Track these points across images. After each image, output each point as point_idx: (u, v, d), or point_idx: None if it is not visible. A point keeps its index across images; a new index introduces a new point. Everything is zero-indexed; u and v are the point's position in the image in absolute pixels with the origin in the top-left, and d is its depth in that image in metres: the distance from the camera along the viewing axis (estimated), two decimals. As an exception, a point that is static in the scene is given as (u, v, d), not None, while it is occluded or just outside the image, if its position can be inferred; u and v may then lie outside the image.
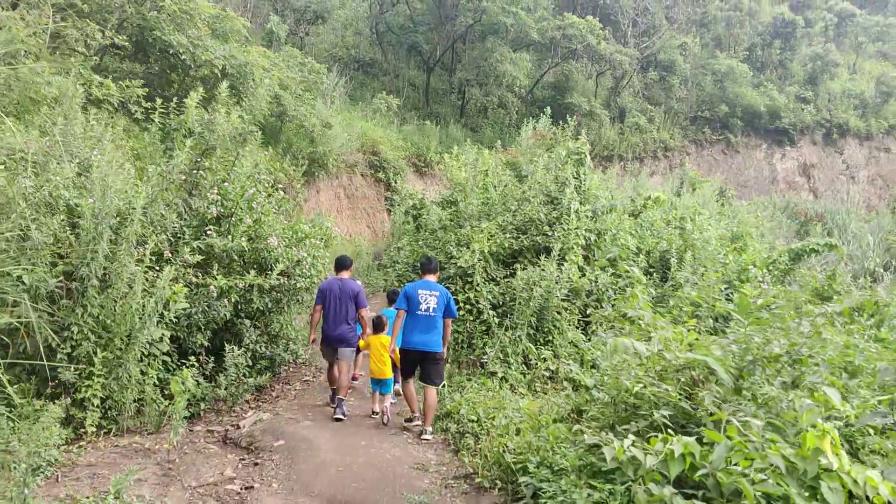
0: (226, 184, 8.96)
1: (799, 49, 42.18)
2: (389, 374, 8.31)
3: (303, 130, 22.11)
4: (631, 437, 4.04)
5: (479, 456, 6.51)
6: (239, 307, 8.71)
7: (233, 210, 8.90)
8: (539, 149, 14.62)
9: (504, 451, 6.05)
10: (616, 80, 35.85)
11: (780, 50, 41.87)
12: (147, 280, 7.24)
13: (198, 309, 7.96)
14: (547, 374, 9.11)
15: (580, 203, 11.18)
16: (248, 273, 8.49)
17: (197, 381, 7.84)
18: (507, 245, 10.73)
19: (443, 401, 8.47)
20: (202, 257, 8.14)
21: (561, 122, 16.22)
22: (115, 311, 6.93)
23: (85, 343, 6.71)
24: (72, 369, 6.55)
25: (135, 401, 7.15)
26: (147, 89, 12.60)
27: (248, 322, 8.97)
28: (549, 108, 18.58)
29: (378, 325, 8.57)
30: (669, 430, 4.30)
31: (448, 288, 10.13)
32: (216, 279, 8.12)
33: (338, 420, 8.02)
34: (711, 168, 36.06)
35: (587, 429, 5.45)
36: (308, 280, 9.45)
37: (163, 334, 7.25)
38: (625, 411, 5.44)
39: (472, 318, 10.01)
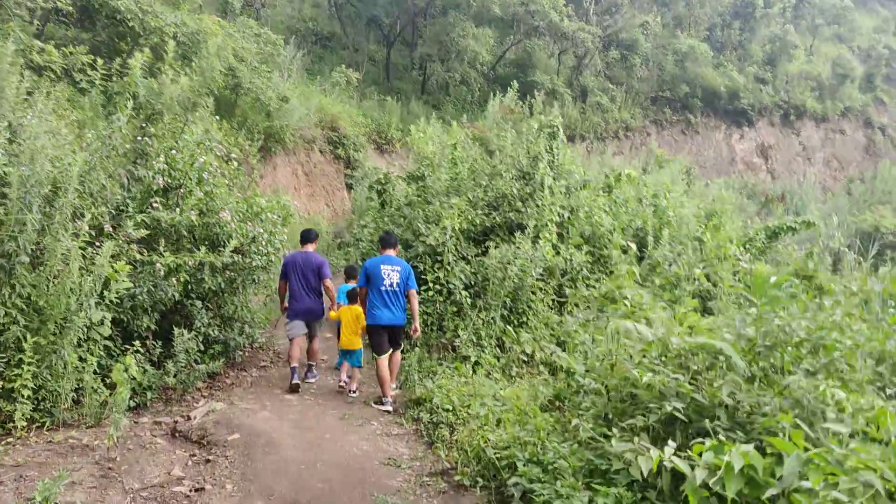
0: (173, 152, 8.14)
1: (758, 30, 42.21)
2: (360, 346, 8.26)
3: (258, 104, 21.26)
4: (671, 444, 3.42)
5: (455, 449, 5.93)
6: (189, 287, 7.95)
7: (181, 181, 8.10)
8: (507, 123, 13.98)
9: (485, 445, 5.46)
10: (578, 58, 35.36)
11: (740, 31, 41.85)
12: (85, 257, 6.45)
13: (143, 289, 7.18)
14: (523, 358, 8.56)
15: (553, 179, 10.61)
16: (199, 250, 7.71)
17: (143, 367, 7.08)
18: (478, 222, 10.12)
19: (412, 387, 7.87)
20: (147, 232, 7.35)
21: (528, 97, 15.63)
22: (48, 290, 6.14)
23: (13, 327, 5.92)
24: (-5, 357, 5.76)
25: (72, 391, 6.38)
26: (93, 57, 11.60)
27: (199, 303, 8.21)
28: (514, 82, 17.87)
29: (352, 297, 8.44)
30: (712, 436, 3.69)
31: (416, 267, 9.53)
32: (163, 256, 7.33)
33: (295, 388, 8.04)
34: (672, 149, 35.90)
35: (580, 420, 4.89)
36: (265, 258, 8.70)
37: (104, 317, 6.47)
38: (621, 402, 4.88)
39: (441, 300, 9.39)
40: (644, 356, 4.84)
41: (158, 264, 7.27)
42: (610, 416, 4.84)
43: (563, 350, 8.01)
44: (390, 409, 7.63)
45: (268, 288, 9.73)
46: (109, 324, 6.62)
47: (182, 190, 8.11)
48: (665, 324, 4.62)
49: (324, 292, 8.74)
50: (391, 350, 7.91)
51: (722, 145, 38.78)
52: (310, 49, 29.86)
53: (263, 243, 8.61)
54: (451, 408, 6.72)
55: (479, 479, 5.35)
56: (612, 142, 34.33)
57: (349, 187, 25.26)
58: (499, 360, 8.54)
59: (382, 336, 7.80)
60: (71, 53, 11.66)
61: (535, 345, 8.47)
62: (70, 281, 6.15)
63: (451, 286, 9.30)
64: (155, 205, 7.63)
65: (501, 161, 11.07)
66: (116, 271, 6.48)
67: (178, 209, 7.71)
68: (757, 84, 40.33)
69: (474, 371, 8.22)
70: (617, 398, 4.94)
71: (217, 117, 19.59)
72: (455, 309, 9.20)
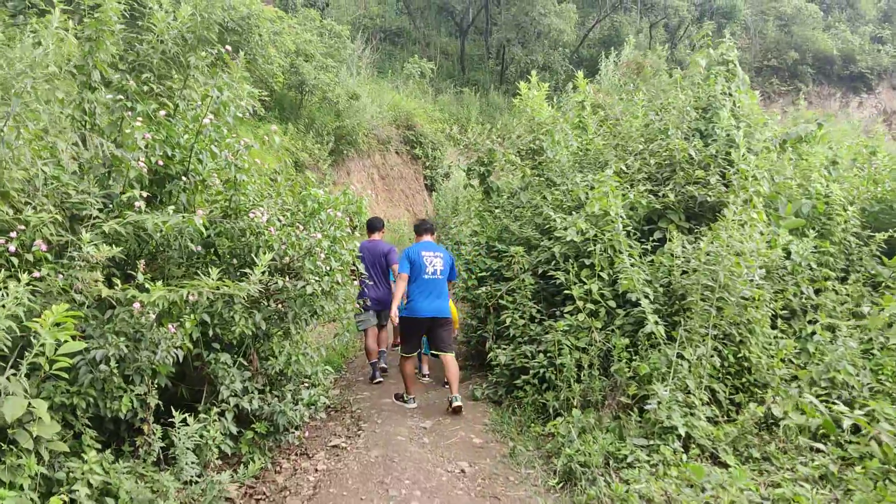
0: (170, 119, 4.92)
1: (867, -14, 36.88)
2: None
3: (326, 103, 18.57)
4: None
5: None
6: (212, 333, 4.72)
7: (187, 164, 4.86)
8: (634, 82, 10.29)
9: None
10: (670, 32, 31.12)
11: (847, -11, 36.65)
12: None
13: (110, 349, 3.94)
14: (758, 424, 4.91)
15: (742, 133, 6.88)
16: (211, 274, 4.40)
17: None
18: (644, 203, 6.52)
19: (585, 488, 4.35)
20: (118, 251, 4.11)
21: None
22: None
23: None
24: None
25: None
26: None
27: (226, 357, 4.95)
28: (631, 37, 14.13)
29: None
30: None
31: (550, 278, 6.13)
32: (148, 289, 4.08)
33: (383, 370, 7.72)
34: (782, 122, 31.16)
35: None
36: (328, 280, 5.35)
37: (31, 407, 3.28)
38: None
39: (599, 326, 5.85)
40: None
41: (137, 303, 4.01)
42: None
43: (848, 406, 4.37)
44: (460, 403, 6.52)
45: (337, 322, 6.42)
46: (50, 417, 3.44)
47: (187, 179, 4.88)
48: None
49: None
50: (442, 352, 6.81)
51: (839, 115, 33.63)
52: (378, 46, 26.91)
53: (323, 256, 5.26)
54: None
55: None
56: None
57: (429, 188, 22.32)
58: (719, 428, 4.90)
59: (417, 331, 6.94)
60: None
61: (789, 401, 4.80)
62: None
63: (609, 303, 5.74)
64: (137, 205, 4.39)
65: (657, 113, 7.45)
66: (58, 326, 3.25)
67: (171, 208, 4.42)
68: (874, 45, 34.97)
69: (685, 451, 4.63)
70: None
71: (282, 122, 16.80)
72: (627, 341, 5.62)
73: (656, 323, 5.35)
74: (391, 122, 21.89)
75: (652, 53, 10.36)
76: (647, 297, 5.56)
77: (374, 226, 8.29)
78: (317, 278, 5.24)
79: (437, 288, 6.83)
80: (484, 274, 7.41)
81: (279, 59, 17.67)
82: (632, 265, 5.94)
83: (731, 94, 7.30)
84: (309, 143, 17.51)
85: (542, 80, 28.33)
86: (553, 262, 6.67)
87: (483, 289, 7.18)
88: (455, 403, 6.45)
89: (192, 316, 4.44)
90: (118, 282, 4.17)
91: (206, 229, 4.87)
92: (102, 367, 3.92)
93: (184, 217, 4.44)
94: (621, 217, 6.29)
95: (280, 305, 5.39)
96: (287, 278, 5.27)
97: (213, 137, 4.91)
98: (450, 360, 6.66)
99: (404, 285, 6.80)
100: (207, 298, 4.55)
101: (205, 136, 4.86)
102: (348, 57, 21.68)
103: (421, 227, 7.36)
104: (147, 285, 4.08)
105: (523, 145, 8.04)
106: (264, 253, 4.74)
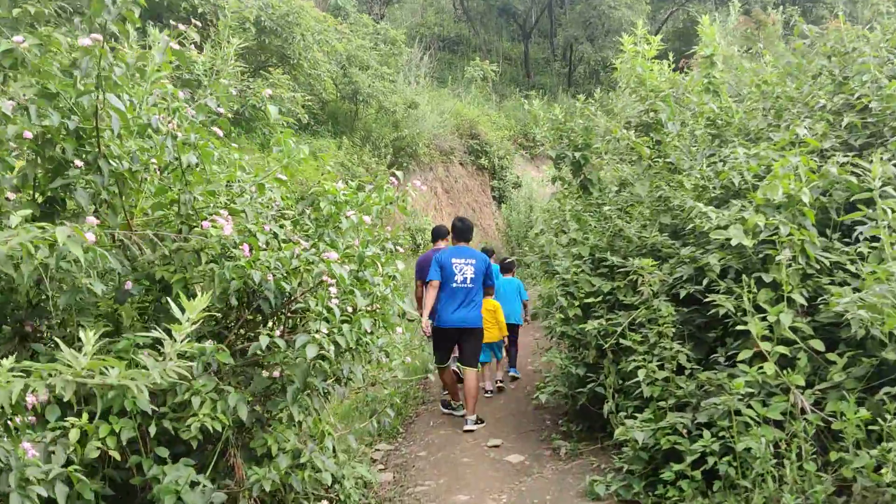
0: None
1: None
2: (497, 338, 7.24)
3: (383, 113, 16.82)
4: None
5: None
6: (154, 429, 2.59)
7: (94, 143, 2.74)
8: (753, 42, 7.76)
9: None
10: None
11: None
12: None
13: None
14: None
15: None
16: (85, 341, 2.21)
17: None
18: (854, 182, 4.05)
19: None
20: None
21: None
22: None
23: None
24: None
25: None
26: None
27: (177, 474, 2.77)
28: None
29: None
30: None
31: (706, 303, 3.75)
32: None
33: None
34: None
35: None
36: (349, 330, 3.10)
37: None
38: None
39: (800, 382, 3.42)
40: None
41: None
42: None
43: None
44: (473, 428, 6.05)
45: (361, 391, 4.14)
46: None
47: (102, 166, 2.76)
48: None
49: None
50: (466, 367, 6.25)
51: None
52: (436, 56, 25.05)
53: (335, 291, 3.02)
54: None
55: None
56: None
57: (497, 200, 20.27)
58: None
59: (448, 342, 6.40)
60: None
61: None
62: None
63: (820, 342, 3.32)
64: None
65: (833, 63, 4.98)
66: None
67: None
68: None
69: None
70: None
71: (336, 135, 15.03)
72: (863, 412, 3.17)
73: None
74: (453, 130, 19.99)
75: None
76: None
77: (439, 234, 7.46)
78: (329, 328, 3.01)
79: (467, 297, 6.33)
80: (592, 300, 5.04)
81: (327, 63, 15.87)
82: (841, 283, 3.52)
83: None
84: (366, 156, 15.77)
85: (612, 81, 25.99)
86: (702, 281, 4.26)
87: (593, 322, 4.81)
88: (466, 427, 6.09)
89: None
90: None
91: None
92: None
93: (70, 235, 2.29)
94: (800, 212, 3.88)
95: (280, 373, 3.19)
96: (284, 330, 3.07)
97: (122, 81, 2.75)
98: (471, 376, 6.21)
99: (434, 293, 6.30)
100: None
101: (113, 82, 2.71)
102: (405, 64, 19.99)
103: (458, 231, 6.78)
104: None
105: (635, 117, 5.67)
106: (214, 291, 2.53)
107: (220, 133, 3.30)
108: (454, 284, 6.28)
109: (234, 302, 3.03)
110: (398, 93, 17.68)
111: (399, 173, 4.04)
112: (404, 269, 3.88)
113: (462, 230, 6.72)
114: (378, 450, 5.54)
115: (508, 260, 9.29)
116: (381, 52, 18.26)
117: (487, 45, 28.25)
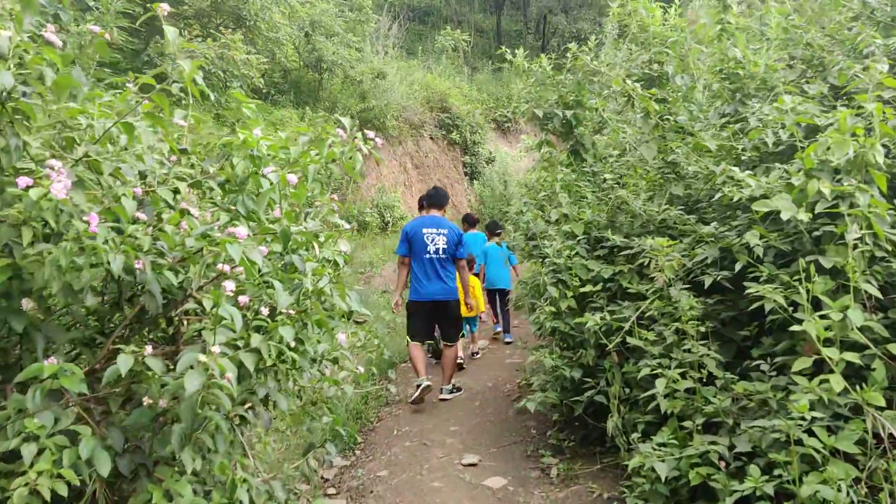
0: None
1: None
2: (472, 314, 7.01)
3: (349, 83, 15.76)
4: None
5: None
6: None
7: None
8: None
9: None
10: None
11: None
12: None
13: None
14: None
15: None
16: None
17: None
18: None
19: None
20: None
21: None
22: None
23: None
24: None
25: None
26: None
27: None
28: None
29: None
30: None
31: (740, 293, 2.81)
32: None
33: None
34: None
35: None
36: (265, 340, 2.10)
37: None
38: None
39: (879, 402, 2.52)
40: None
41: None
42: None
43: None
44: (448, 397, 6.12)
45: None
46: None
47: None
48: None
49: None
50: (442, 342, 6.30)
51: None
52: (406, 26, 23.84)
53: (253, 293, 2.03)
54: None
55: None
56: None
57: (470, 176, 19.06)
58: None
59: (424, 317, 6.12)
60: None
61: None
62: None
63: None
64: None
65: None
66: None
67: None
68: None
69: None
70: None
71: (298, 105, 13.93)
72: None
73: None
74: (423, 103, 19.02)
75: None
76: None
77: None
78: (231, 339, 2.01)
79: (440, 268, 6.11)
80: (589, 289, 4.08)
81: (287, 27, 14.65)
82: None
83: None
84: (330, 128, 14.54)
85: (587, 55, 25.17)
86: (732, 266, 3.34)
87: (592, 316, 3.85)
88: (440, 396, 6.11)
89: None
90: None
91: None
92: None
93: None
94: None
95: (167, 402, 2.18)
96: (176, 342, 2.07)
97: None
98: (451, 351, 6.17)
99: (406, 270, 6.20)
100: None
101: None
102: (373, 33, 18.87)
103: (431, 199, 6.51)
104: None
105: (637, 68, 4.70)
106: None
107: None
108: (426, 255, 6.08)
109: (89, 301, 2.02)
110: (365, 62, 16.64)
111: (346, 120, 3.03)
112: (350, 254, 2.87)
113: (435, 196, 6.50)
114: (331, 466, 4.57)
115: (494, 222, 8.97)
116: (348, 18, 17.17)
117: (459, 16, 27.13)
